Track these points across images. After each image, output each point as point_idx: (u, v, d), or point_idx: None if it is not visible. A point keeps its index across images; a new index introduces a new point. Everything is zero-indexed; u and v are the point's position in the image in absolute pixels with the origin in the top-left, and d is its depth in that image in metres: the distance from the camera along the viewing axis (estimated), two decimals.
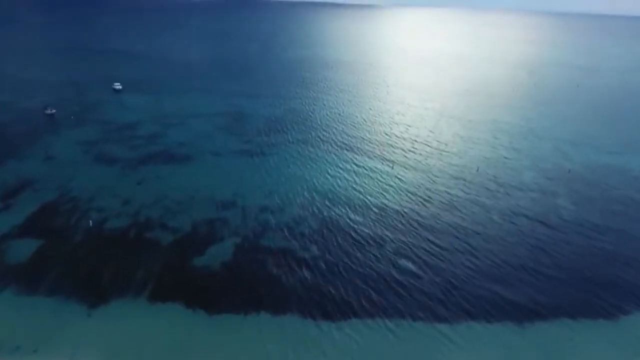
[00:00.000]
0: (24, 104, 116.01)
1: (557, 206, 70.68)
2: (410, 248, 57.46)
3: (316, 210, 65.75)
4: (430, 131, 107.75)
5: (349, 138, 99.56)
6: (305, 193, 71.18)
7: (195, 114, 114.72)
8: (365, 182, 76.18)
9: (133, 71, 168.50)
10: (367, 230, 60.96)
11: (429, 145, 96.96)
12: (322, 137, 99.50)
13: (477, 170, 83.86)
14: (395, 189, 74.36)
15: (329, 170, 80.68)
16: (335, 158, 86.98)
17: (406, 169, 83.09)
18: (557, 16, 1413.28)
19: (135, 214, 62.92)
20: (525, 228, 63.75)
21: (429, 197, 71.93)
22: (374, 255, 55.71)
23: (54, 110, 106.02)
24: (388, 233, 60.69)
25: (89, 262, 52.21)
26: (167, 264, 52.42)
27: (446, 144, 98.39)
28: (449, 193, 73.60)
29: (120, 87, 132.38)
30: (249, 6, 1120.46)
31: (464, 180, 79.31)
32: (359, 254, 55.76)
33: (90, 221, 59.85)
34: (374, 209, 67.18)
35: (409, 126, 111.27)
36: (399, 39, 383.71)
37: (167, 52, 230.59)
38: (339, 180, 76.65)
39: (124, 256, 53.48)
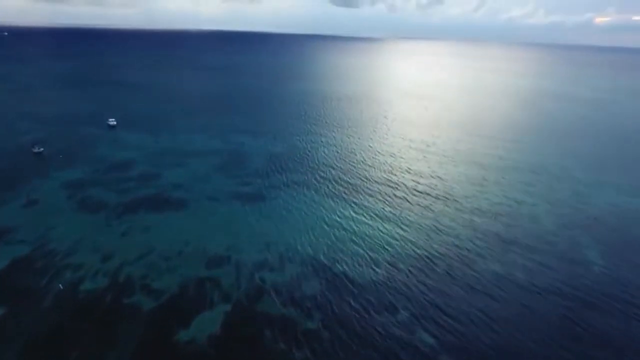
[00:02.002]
0: (12, 140, 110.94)
1: (587, 262, 63.45)
2: (420, 318, 49.81)
3: (317, 268, 58.54)
4: (434, 171, 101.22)
5: (349, 180, 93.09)
6: (304, 247, 64.09)
7: (192, 152, 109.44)
8: (366, 234, 68.55)
9: (130, 106, 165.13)
10: (372, 295, 53.34)
11: (433, 189, 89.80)
12: (321, 178, 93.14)
13: (494, 218, 77.03)
14: (399, 242, 66.59)
15: (329, 220, 73.56)
16: (335, 204, 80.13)
17: (410, 217, 75.55)
18: (550, 48, 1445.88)
19: (114, 273, 55.77)
20: (552, 292, 56.26)
21: (438, 252, 64.34)
22: (380, 325, 48.13)
23: (42, 149, 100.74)
24: (394, 298, 53.17)
25: (53, 339, 44.67)
26: (146, 340, 44.87)
27: (452, 187, 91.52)
28: (459, 246, 66.26)
29: (115, 122, 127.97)
30: (250, 39, 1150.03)
31: (476, 230, 72.27)
32: (364, 324, 48.20)
33: (60, 285, 52.64)
34: (379, 267, 59.74)
35: (410, 166, 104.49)
36: (399, 72, 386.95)
37: (166, 85, 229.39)
38: (339, 232, 69.39)
39: (96, 330, 45.98)
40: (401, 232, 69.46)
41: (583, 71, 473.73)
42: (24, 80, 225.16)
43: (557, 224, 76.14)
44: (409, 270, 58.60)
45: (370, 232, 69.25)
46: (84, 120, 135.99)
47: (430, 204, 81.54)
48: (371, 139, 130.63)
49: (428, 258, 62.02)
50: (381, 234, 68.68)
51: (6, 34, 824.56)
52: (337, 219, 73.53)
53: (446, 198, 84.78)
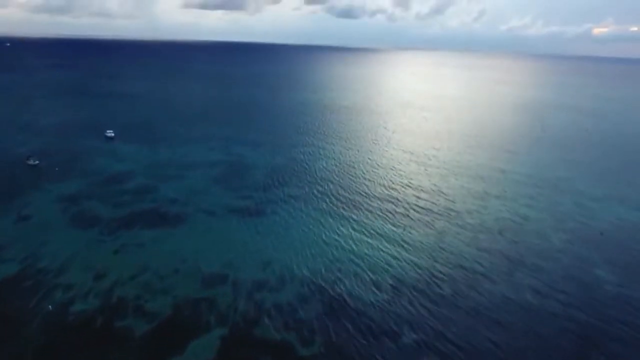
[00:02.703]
0: (6, 153, 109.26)
1: (597, 282, 61.32)
2: (423, 345, 47.45)
3: (315, 289, 56.24)
4: (435, 185, 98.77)
5: (349, 195, 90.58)
6: (303, 266, 61.84)
7: (191, 164, 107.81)
8: (366, 253, 65.85)
9: (129, 116, 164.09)
10: (373, 319, 50.84)
11: (435, 204, 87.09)
12: (320, 193, 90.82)
13: (498, 234, 74.99)
14: (400, 261, 63.94)
15: (328, 237, 71.15)
16: (334, 220, 77.68)
17: (411, 234, 72.91)
18: (549, 58, 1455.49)
19: (106, 293, 53.62)
20: (563, 316, 53.96)
21: (441, 272, 61.85)
22: (381, 353, 45.81)
23: (37, 161, 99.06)
24: (396, 323, 50.85)
25: None
26: None
27: (454, 201, 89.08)
28: (463, 266, 63.81)
29: (113, 134, 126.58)
30: (251, 50, 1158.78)
31: (481, 247, 70.07)
32: (364, 351, 45.88)
33: (50, 306, 50.50)
34: (380, 289, 57.29)
35: (411, 180, 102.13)
36: (398, 82, 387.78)
37: (167, 96, 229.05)
38: (338, 250, 66.88)
39: (85, 355, 43.75)
40: (402, 251, 67.08)
41: (583, 81, 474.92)
42: (23, 90, 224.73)
43: (563, 240, 74.11)
44: (411, 292, 56.32)
45: (370, 250, 66.92)
46: (82, 132, 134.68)
47: (432, 220, 79.29)
48: (371, 150, 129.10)
49: (431, 279, 59.76)
50: (381, 253, 66.31)
51: (8, 44, 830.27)
52: (336, 236, 71.30)
53: (448, 214, 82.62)
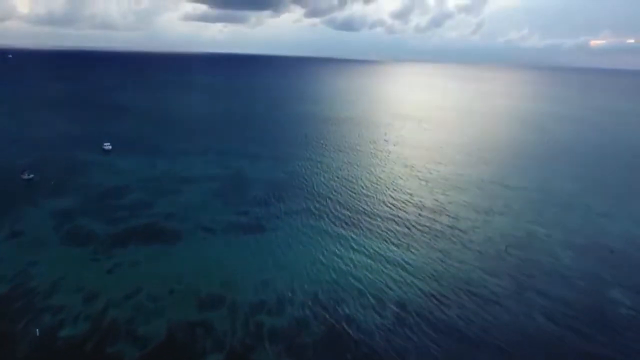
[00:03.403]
0: (0, 166, 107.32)
1: (612, 303, 58.78)
2: None
3: (316, 312, 53.62)
4: (437, 200, 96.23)
5: (349, 211, 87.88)
6: (303, 286, 59.10)
7: (189, 177, 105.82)
8: (368, 273, 63.13)
9: (127, 128, 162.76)
10: (376, 344, 48.30)
11: (437, 220, 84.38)
12: (320, 209, 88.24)
13: (505, 251, 72.59)
14: (403, 282, 61.05)
15: (329, 256, 68.63)
16: (335, 238, 75.03)
17: (414, 253, 70.06)
18: (547, 70, 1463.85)
19: (98, 316, 51.06)
20: (579, 344, 51.34)
21: (447, 293, 59.04)
22: None
23: (31, 175, 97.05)
24: (401, 349, 48.24)
25: None
26: None
27: (457, 218, 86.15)
28: (469, 286, 61.18)
29: (110, 147, 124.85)
30: (251, 62, 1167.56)
31: (488, 266, 67.52)
32: None
33: (37, 330, 47.91)
34: (383, 312, 54.65)
35: (413, 194, 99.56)
36: (398, 94, 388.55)
37: (167, 108, 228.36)
38: (339, 270, 64.21)
39: None
40: (405, 272, 64.01)
41: (583, 93, 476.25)
42: (22, 102, 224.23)
43: (573, 258, 71.70)
44: (416, 316, 53.61)
45: (371, 272, 63.93)
46: (80, 144, 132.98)
47: (435, 238, 76.67)
48: (371, 164, 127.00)
49: (435, 302, 57.01)
50: (383, 274, 63.28)
51: (10, 56, 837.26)
52: (336, 256, 68.41)
53: (451, 231, 79.91)
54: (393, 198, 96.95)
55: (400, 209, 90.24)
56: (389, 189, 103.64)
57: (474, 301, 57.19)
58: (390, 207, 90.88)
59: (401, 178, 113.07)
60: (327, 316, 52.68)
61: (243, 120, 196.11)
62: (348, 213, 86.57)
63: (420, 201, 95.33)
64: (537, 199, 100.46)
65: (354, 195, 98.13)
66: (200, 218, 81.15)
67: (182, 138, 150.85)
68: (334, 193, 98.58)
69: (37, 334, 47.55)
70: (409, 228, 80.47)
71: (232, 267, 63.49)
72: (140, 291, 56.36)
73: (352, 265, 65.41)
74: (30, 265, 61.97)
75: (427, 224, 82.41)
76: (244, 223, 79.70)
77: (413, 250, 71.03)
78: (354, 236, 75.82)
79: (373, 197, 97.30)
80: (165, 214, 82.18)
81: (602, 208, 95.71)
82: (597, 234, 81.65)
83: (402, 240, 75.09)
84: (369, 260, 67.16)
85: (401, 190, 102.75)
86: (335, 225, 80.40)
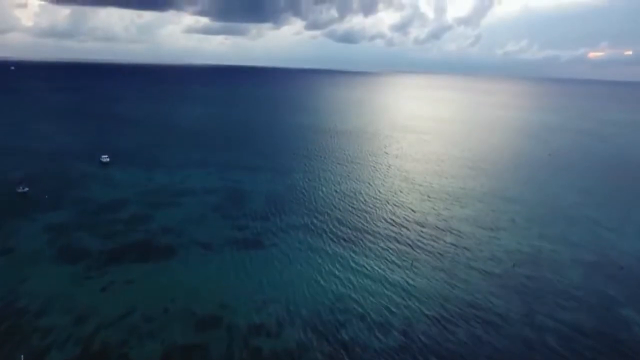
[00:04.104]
0: None
1: (625, 323, 56.37)
2: None
3: (317, 334, 51.21)
4: (439, 214, 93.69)
5: (350, 227, 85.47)
6: (303, 307, 56.76)
7: (188, 190, 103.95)
8: (370, 294, 60.98)
9: (126, 140, 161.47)
10: None
11: (440, 236, 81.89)
12: (319, 225, 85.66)
13: (512, 268, 70.35)
14: (407, 302, 58.80)
15: (329, 275, 66.45)
16: (335, 256, 72.74)
17: (417, 272, 67.53)
18: (547, 81, 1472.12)
19: (88, 338, 48.69)
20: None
21: (453, 314, 56.60)
22: None
23: (26, 188, 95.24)
24: None
25: None
26: None
27: (460, 234, 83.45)
28: (477, 308, 58.52)
29: (108, 159, 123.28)
30: (252, 73, 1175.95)
31: (494, 284, 65.23)
32: None
33: (22, 356, 45.46)
34: (387, 334, 52.34)
35: (414, 209, 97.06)
36: (398, 105, 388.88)
37: (166, 119, 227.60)
38: (340, 290, 61.94)
39: None
40: (408, 294, 61.38)
41: (582, 104, 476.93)
42: (21, 113, 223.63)
43: (582, 274, 69.46)
44: (420, 341, 50.92)
45: (373, 292, 61.37)
46: (77, 157, 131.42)
47: (439, 256, 73.97)
48: (371, 177, 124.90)
49: (442, 323, 54.64)
50: (385, 295, 60.66)
51: (13, 68, 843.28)
52: (337, 276, 65.74)
53: (455, 248, 77.41)
54: (393, 214, 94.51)
55: (401, 225, 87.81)
56: (389, 203, 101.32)
57: (481, 325, 54.70)
58: (390, 224, 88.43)
59: (401, 192, 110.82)
60: (327, 341, 50.19)
61: (243, 132, 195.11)
62: (347, 230, 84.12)
63: (422, 217, 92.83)
64: (542, 213, 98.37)
65: (353, 210, 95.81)
66: (197, 233, 79.07)
67: (182, 150, 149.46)
68: (333, 208, 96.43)
69: (22, 359, 45.14)
70: (410, 246, 77.88)
71: (229, 286, 61.22)
72: (134, 311, 54.04)
73: (352, 287, 62.89)
74: (20, 283, 59.80)
75: (430, 242, 79.84)
76: (241, 239, 77.59)
77: (415, 271, 68.44)
78: (354, 255, 73.20)
79: (373, 212, 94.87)
80: (161, 229, 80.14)
81: (608, 222, 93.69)
82: (605, 250, 79.46)
83: (404, 259, 72.50)
84: (369, 282, 64.47)
85: (402, 205, 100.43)
86: (335, 242, 78.04)
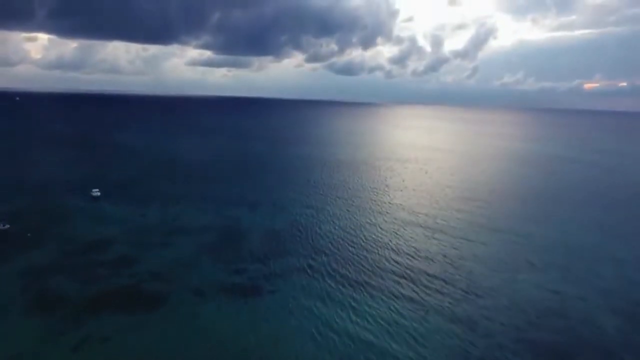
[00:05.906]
0: None
1: None
2: None
3: None
4: (446, 256, 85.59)
5: (352, 268, 78.13)
6: None
7: (181, 228, 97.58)
8: (376, 355, 53.94)
9: (120, 172, 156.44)
10: None
11: (448, 282, 73.31)
12: (321, 266, 78.55)
13: (535, 319, 62.94)
14: None
15: (332, 327, 59.42)
16: (337, 304, 65.47)
17: (426, 325, 59.60)
18: (544, 112, 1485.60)
19: None
20: None
21: None
22: None
23: (7, 225, 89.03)
24: None
25: None
26: None
27: (473, 278, 74.95)
28: None
29: (99, 193, 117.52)
30: (254, 104, 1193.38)
31: (519, 340, 57.73)
32: None
33: None
34: None
35: (418, 248, 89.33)
36: (397, 136, 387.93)
37: (164, 150, 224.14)
38: (345, 346, 55.34)
39: None
40: (418, 352, 53.95)
41: (581, 134, 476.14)
42: (14, 143, 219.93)
43: (617, 327, 61.92)
44: None
45: (382, 351, 53.89)
46: (67, 190, 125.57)
47: (451, 306, 65.75)
48: (372, 212, 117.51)
49: None
50: (393, 352, 53.48)
51: (18, 98, 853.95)
52: (338, 330, 58.67)
53: (468, 295, 69.16)
54: (397, 253, 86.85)
55: (406, 267, 79.97)
56: (392, 242, 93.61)
57: None
58: (394, 265, 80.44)
59: (405, 228, 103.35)
60: None
61: (242, 164, 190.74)
62: (350, 274, 75.96)
63: (428, 258, 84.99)
64: (560, 252, 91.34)
65: (355, 249, 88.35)
66: (189, 278, 72.22)
67: (178, 183, 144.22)
68: (334, 248, 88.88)
69: None
70: (418, 293, 69.78)
71: (223, 343, 53.90)
72: None
73: (358, 343, 55.42)
74: None
75: (440, 288, 71.70)
76: (238, 284, 70.58)
77: (426, 324, 60.43)
78: (355, 305, 65.04)
79: (375, 252, 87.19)
80: (149, 273, 73.26)
81: (635, 261, 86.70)
82: (634, 293, 72.23)
83: (413, 309, 64.43)
84: (375, 338, 56.56)
85: (406, 243, 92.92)
86: (337, 289, 69.92)
